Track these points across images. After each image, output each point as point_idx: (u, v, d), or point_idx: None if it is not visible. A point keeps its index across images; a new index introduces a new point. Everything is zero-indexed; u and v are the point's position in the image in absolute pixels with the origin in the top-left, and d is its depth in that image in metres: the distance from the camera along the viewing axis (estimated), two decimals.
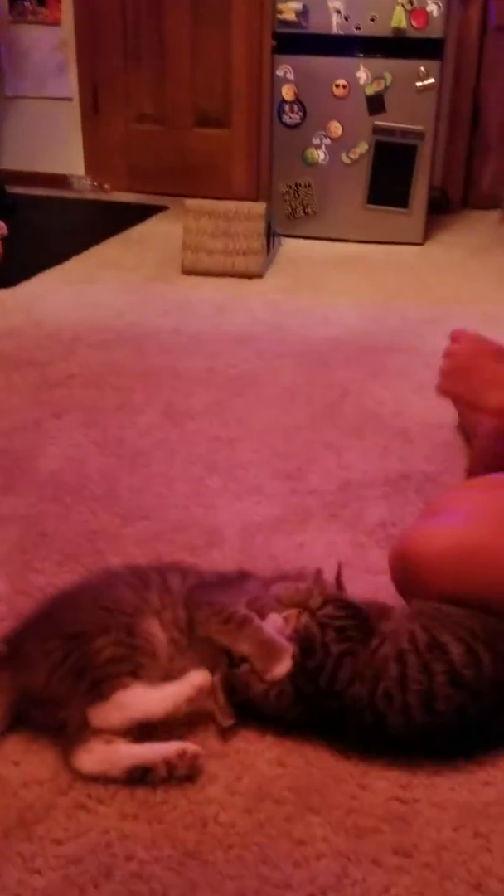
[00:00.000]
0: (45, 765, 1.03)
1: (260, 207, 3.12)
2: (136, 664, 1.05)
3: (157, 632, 1.10)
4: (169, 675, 1.07)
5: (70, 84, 4.39)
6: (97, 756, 1.00)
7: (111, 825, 0.96)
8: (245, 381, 2.22)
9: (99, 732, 1.01)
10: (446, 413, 1.95)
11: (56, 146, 4.52)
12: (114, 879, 0.90)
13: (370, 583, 1.40)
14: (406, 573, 1.22)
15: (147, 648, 1.07)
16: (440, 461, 1.82)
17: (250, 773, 1.04)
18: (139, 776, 1.00)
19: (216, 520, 1.59)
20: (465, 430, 1.92)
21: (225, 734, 1.08)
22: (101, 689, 1.02)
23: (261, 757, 1.06)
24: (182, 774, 1.01)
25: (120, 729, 1.02)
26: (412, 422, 1.99)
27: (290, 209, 3.72)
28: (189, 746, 1.02)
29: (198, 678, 1.05)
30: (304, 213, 3.72)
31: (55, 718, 1.03)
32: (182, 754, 1.01)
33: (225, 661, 1.10)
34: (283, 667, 1.06)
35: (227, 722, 1.07)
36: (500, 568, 1.17)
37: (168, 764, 1.00)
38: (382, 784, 1.02)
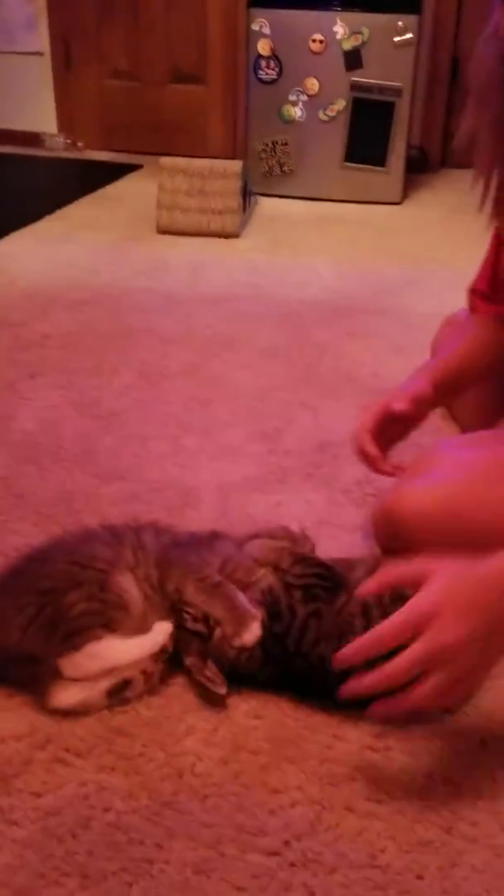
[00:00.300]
0: (22, 720, 1.05)
1: (236, 166, 3.09)
2: (109, 618, 1.06)
3: (130, 587, 1.11)
4: (141, 630, 1.08)
5: (41, 38, 4.29)
6: (74, 687, 1.03)
7: (88, 778, 0.98)
8: (222, 341, 2.21)
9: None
10: None
11: (27, 103, 4.43)
12: (92, 830, 0.92)
13: (346, 541, 1.42)
14: (392, 533, 1.23)
15: (120, 603, 1.09)
16: None
17: (226, 724, 1.05)
18: (118, 692, 1.05)
19: (193, 480, 1.59)
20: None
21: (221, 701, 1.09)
22: (73, 640, 1.04)
23: (237, 709, 1.07)
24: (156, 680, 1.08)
25: (91, 678, 1.04)
26: (390, 382, 1.96)
27: (266, 167, 3.68)
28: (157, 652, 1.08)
29: (167, 626, 1.08)
30: (282, 171, 3.69)
31: (30, 673, 1.05)
32: (156, 656, 1.06)
33: (202, 626, 1.11)
34: (251, 634, 1.08)
35: (221, 690, 1.07)
36: (487, 523, 1.18)
37: (144, 673, 1.05)
38: (356, 733, 1.04)
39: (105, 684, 1.05)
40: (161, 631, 1.09)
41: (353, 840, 0.91)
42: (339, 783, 0.98)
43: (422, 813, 0.95)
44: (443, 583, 0.91)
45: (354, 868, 0.88)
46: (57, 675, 1.04)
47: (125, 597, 1.10)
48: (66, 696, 1.04)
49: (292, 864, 0.88)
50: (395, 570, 0.98)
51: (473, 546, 1.17)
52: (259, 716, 1.07)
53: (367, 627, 1.02)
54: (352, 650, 0.91)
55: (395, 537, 1.23)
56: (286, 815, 0.94)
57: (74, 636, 1.04)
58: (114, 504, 1.51)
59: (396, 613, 0.90)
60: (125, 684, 1.05)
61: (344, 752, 1.02)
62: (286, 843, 0.90)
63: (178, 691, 1.10)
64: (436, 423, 1.81)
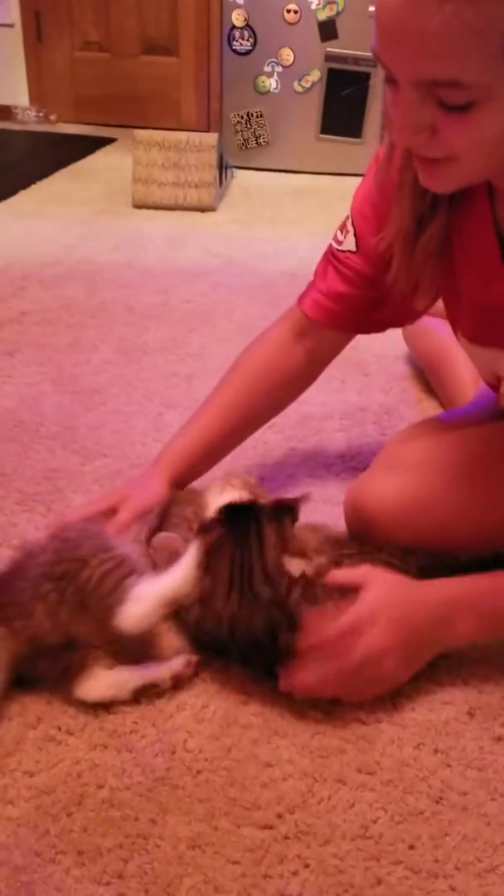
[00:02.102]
0: (13, 700, 1.04)
1: (211, 138, 3.06)
2: (130, 568, 1.04)
3: (132, 550, 1.11)
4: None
5: (11, 10, 4.22)
6: (104, 682, 1.02)
7: (81, 756, 0.97)
8: (200, 316, 2.20)
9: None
10: (402, 345, 1.96)
11: None
12: (86, 807, 0.92)
13: (329, 514, 1.42)
14: (361, 528, 1.23)
15: (126, 555, 1.07)
16: (397, 393, 1.84)
17: (216, 700, 1.06)
18: (144, 692, 1.04)
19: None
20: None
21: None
22: (110, 600, 1.01)
23: (227, 685, 1.08)
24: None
25: (152, 624, 1.03)
26: (369, 354, 1.99)
27: (242, 139, 3.65)
28: (191, 656, 1.07)
29: (193, 553, 1.03)
30: (257, 143, 3.66)
31: (59, 664, 1.03)
32: (188, 664, 1.06)
33: None
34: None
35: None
36: (454, 518, 1.18)
37: (175, 677, 1.05)
38: (345, 707, 1.05)
39: (133, 684, 1.03)
40: (192, 553, 1.03)
41: (345, 811, 0.92)
42: (329, 756, 0.99)
43: (412, 784, 0.96)
44: (382, 594, 1.03)
45: (347, 839, 0.89)
46: (88, 666, 1.02)
47: (132, 556, 1.08)
48: (94, 688, 1.02)
49: (286, 837, 0.89)
50: (341, 574, 1.09)
51: (435, 541, 1.18)
52: (248, 691, 1.07)
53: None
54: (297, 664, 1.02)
55: (361, 527, 1.23)
56: (279, 788, 0.94)
57: (109, 596, 1.01)
58: (97, 481, 1.50)
59: (342, 617, 1.01)
60: (152, 686, 1.04)
61: (334, 725, 1.02)
62: (279, 815, 0.91)
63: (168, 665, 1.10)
64: (417, 396, 1.82)
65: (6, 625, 1.04)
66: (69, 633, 1.03)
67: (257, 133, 3.63)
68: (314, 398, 1.80)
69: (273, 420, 1.70)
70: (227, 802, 0.93)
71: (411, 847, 0.89)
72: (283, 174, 3.64)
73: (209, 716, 1.03)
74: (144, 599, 1.01)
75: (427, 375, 1.87)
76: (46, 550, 1.11)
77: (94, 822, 0.90)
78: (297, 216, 3.08)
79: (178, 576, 1.02)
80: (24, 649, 1.04)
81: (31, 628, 1.03)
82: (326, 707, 1.05)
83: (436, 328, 1.75)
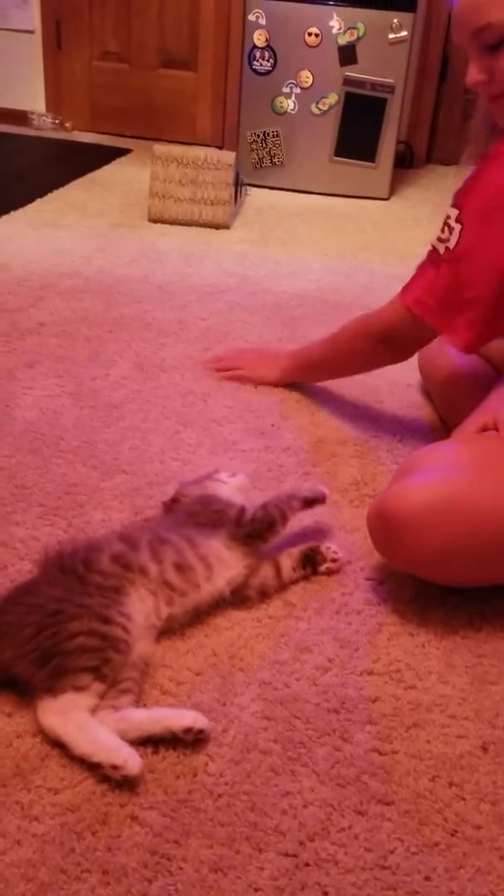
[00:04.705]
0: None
1: (229, 157, 3.09)
2: (103, 659, 1.04)
3: (135, 609, 1.13)
4: (134, 665, 1.09)
5: (32, 16, 4.25)
6: (109, 727, 1.01)
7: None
8: (215, 334, 2.23)
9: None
10: (415, 374, 1.99)
11: (15, 80, 4.39)
12: (110, 825, 0.94)
13: (344, 540, 1.45)
14: (388, 533, 1.24)
15: (119, 638, 1.07)
16: (410, 422, 1.86)
17: (236, 725, 1.08)
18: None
19: (193, 475, 1.61)
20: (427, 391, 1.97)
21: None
22: (58, 681, 1.02)
23: (246, 710, 1.10)
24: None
25: (51, 735, 1.01)
26: (382, 381, 2.02)
27: (257, 158, 3.69)
28: (197, 721, 1.03)
29: (115, 758, 0.98)
30: (272, 162, 3.69)
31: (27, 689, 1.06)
32: (188, 731, 1.02)
33: None
34: None
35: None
36: (483, 515, 1.20)
37: (174, 737, 1.03)
38: (363, 736, 1.07)
39: (135, 734, 1.02)
40: (119, 754, 0.98)
41: (364, 841, 0.94)
42: (347, 785, 1.01)
43: (428, 816, 0.98)
44: None
45: (366, 869, 0.91)
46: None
47: (128, 627, 1.09)
48: (49, 721, 1.02)
49: (307, 864, 0.91)
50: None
51: (464, 541, 1.20)
52: (267, 717, 1.09)
53: None
54: None
55: (390, 538, 1.25)
56: (299, 815, 0.96)
57: (61, 676, 1.02)
58: (116, 497, 1.52)
59: None
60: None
61: (351, 755, 1.05)
62: (301, 843, 0.93)
63: (188, 690, 1.12)
64: (431, 425, 1.85)
65: None
66: (20, 670, 1.05)
67: (272, 153, 3.66)
68: (328, 422, 1.83)
69: (287, 443, 1.74)
70: (248, 827, 0.95)
71: (427, 878, 0.91)
72: (296, 194, 3.68)
73: (228, 740, 1.06)
74: (65, 714, 1.00)
75: (437, 404, 1.90)
76: (70, 569, 1.14)
77: (118, 842, 0.92)
78: (309, 237, 3.11)
79: (88, 747, 0.98)
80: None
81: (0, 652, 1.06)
82: (343, 735, 1.07)
83: (452, 355, 1.78)
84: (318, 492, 1.39)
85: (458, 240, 1.41)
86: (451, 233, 1.42)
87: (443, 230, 1.45)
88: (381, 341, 1.62)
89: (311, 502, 1.38)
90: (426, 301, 1.49)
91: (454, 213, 1.43)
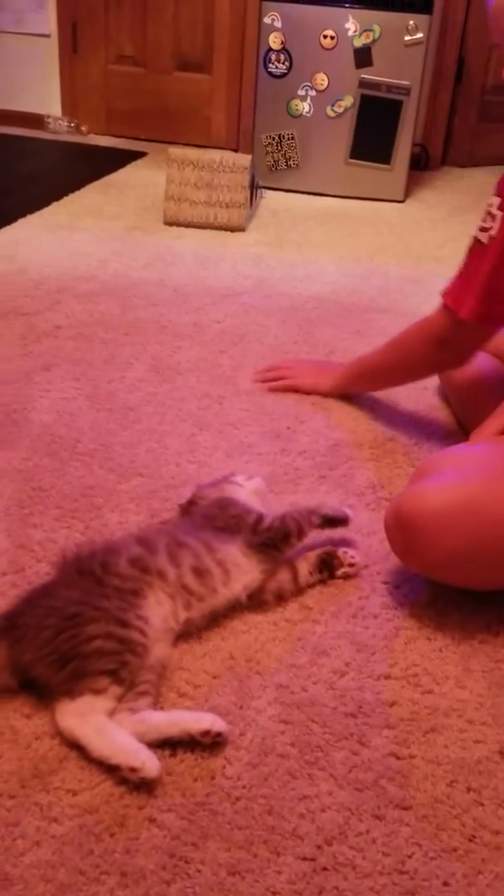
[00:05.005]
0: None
1: (245, 160, 3.09)
2: (121, 662, 1.05)
3: (153, 612, 1.13)
4: (152, 669, 1.09)
5: (48, 20, 4.27)
6: (127, 729, 1.01)
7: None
8: (231, 337, 2.23)
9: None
10: (431, 377, 1.99)
11: (31, 84, 4.40)
12: (128, 827, 0.94)
13: (362, 544, 1.44)
14: (407, 535, 1.24)
15: (137, 642, 1.08)
16: (426, 425, 1.86)
17: (253, 728, 1.08)
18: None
19: (209, 478, 1.61)
20: (445, 395, 1.97)
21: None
22: (76, 683, 1.02)
23: (263, 713, 1.10)
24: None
25: (70, 737, 1.02)
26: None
27: (272, 161, 3.69)
28: (214, 724, 1.03)
29: (134, 760, 0.99)
30: (287, 165, 3.69)
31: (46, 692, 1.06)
32: (206, 734, 1.03)
33: None
34: None
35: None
36: (501, 518, 1.19)
37: (192, 739, 1.03)
38: (380, 741, 1.07)
39: (152, 736, 1.02)
40: (136, 757, 0.99)
41: (382, 846, 0.94)
42: (365, 789, 1.01)
43: (446, 821, 0.98)
44: None
45: (384, 874, 0.91)
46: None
47: (145, 630, 1.10)
48: (67, 724, 1.03)
49: (325, 869, 0.91)
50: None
51: (489, 539, 1.20)
52: (284, 720, 1.09)
53: None
54: None
55: (409, 540, 1.24)
56: (317, 819, 0.96)
57: (79, 679, 1.03)
58: (133, 500, 1.52)
59: None
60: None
61: (369, 759, 1.05)
62: (318, 847, 0.93)
63: (205, 693, 1.12)
64: (447, 429, 1.85)
65: (9, 642, 1.08)
66: (39, 672, 1.06)
67: (287, 155, 3.66)
68: (344, 425, 1.83)
69: (303, 446, 1.74)
70: (266, 830, 0.95)
71: (445, 884, 0.91)
72: (310, 196, 3.68)
73: (246, 744, 1.06)
74: (83, 717, 1.01)
75: (456, 407, 1.89)
76: (87, 573, 1.15)
77: (137, 844, 0.92)
78: (325, 240, 3.11)
79: (105, 749, 0.99)
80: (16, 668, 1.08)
81: (19, 655, 1.07)
82: (360, 739, 1.07)
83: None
84: (340, 512, 1.38)
85: (499, 227, 1.41)
86: (493, 220, 1.43)
87: (484, 219, 1.45)
88: (435, 344, 1.62)
89: (331, 521, 1.36)
90: (465, 298, 1.50)
91: (496, 201, 1.42)
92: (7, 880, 0.88)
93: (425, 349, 1.64)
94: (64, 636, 1.06)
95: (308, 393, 1.94)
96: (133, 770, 0.96)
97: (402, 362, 1.74)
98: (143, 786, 0.98)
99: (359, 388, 1.92)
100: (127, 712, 1.02)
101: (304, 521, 1.32)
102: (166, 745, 1.03)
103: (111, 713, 1.02)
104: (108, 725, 1.00)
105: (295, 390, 1.95)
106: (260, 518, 1.31)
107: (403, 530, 1.25)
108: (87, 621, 1.07)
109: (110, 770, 0.98)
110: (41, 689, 1.07)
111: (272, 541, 1.28)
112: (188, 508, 1.42)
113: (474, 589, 1.30)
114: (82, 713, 1.01)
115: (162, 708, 1.09)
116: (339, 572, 1.35)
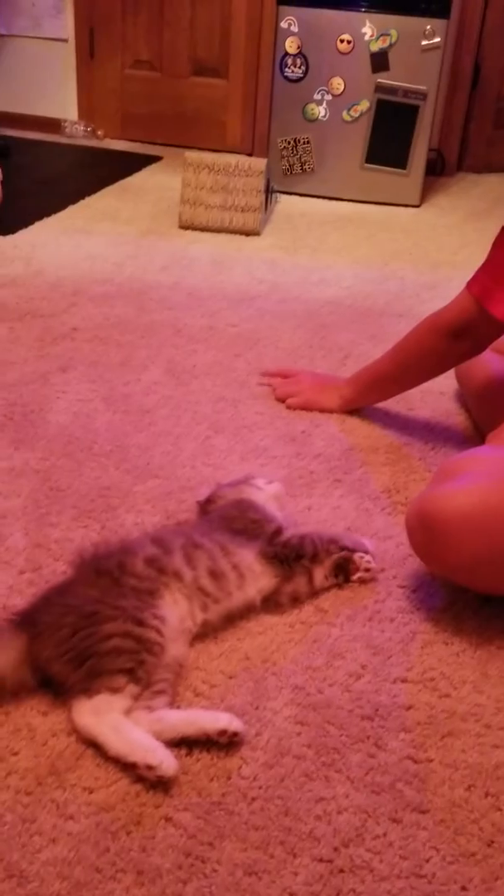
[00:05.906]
0: None
1: (260, 164, 3.10)
2: (138, 661, 1.05)
3: (169, 611, 1.13)
4: (168, 667, 1.09)
5: (66, 25, 4.29)
6: (144, 728, 1.01)
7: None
8: (246, 341, 2.23)
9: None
10: (447, 382, 1.98)
11: (49, 88, 4.43)
12: (145, 825, 0.94)
13: (378, 548, 1.44)
14: (430, 536, 1.22)
15: (153, 641, 1.08)
16: (442, 430, 1.86)
17: (269, 729, 1.08)
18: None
19: (224, 480, 1.61)
20: (464, 401, 1.96)
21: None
22: (92, 682, 1.03)
23: (279, 714, 1.10)
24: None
25: (86, 735, 1.02)
26: (414, 388, 2.01)
27: (287, 165, 3.69)
28: (231, 723, 1.03)
29: (151, 758, 0.98)
30: (302, 169, 3.70)
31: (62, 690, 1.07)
32: (222, 733, 1.03)
33: None
34: None
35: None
36: None
37: (209, 739, 1.03)
38: (397, 744, 1.07)
39: (169, 735, 1.02)
40: (154, 754, 0.99)
41: (399, 849, 0.94)
42: (382, 792, 1.00)
43: (464, 825, 0.97)
44: None
45: (402, 877, 0.91)
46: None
47: (162, 629, 1.10)
48: (84, 722, 1.03)
49: (341, 871, 0.91)
50: None
51: None
52: (301, 721, 1.09)
53: None
54: None
55: (430, 541, 1.23)
56: (333, 821, 0.96)
57: (96, 677, 1.03)
58: (148, 501, 1.52)
59: None
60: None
61: (386, 762, 1.04)
62: (335, 849, 0.93)
63: (221, 693, 1.12)
64: (464, 434, 1.84)
65: (27, 639, 1.08)
66: (56, 670, 1.06)
67: (303, 160, 3.67)
68: (359, 429, 1.83)
69: (318, 450, 1.74)
70: (283, 831, 0.95)
71: (463, 888, 0.91)
72: (326, 201, 3.68)
73: (262, 744, 1.05)
74: (99, 716, 1.01)
75: (473, 410, 1.89)
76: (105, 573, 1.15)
77: (153, 842, 0.92)
78: (340, 245, 3.11)
79: (122, 746, 0.99)
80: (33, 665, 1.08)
81: (37, 652, 1.07)
82: (377, 741, 1.07)
83: (490, 360, 1.78)
84: (361, 545, 1.36)
85: None
86: None
87: None
88: (451, 335, 1.61)
89: (343, 567, 1.34)
90: (488, 284, 1.51)
91: None
92: (23, 877, 0.88)
93: (440, 343, 1.64)
94: (81, 634, 1.06)
95: (319, 411, 1.88)
96: (150, 768, 0.96)
97: (415, 362, 1.73)
98: (159, 784, 0.98)
99: (367, 400, 1.87)
100: (144, 711, 1.02)
101: (321, 548, 1.32)
102: (182, 744, 1.03)
103: (128, 712, 1.02)
104: (124, 723, 1.00)
105: (305, 409, 1.89)
106: (279, 530, 1.31)
107: (426, 531, 1.23)
108: (104, 620, 1.07)
109: (126, 768, 0.98)
110: (58, 686, 1.07)
111: (284, 556, 1.28)
112: (206, 506, 1.42)
113: (493, 594, 1.30)
114: (99, 711, 1.01)
115: (178, 707, 1.09)
116: (355, 577, 1.34)
